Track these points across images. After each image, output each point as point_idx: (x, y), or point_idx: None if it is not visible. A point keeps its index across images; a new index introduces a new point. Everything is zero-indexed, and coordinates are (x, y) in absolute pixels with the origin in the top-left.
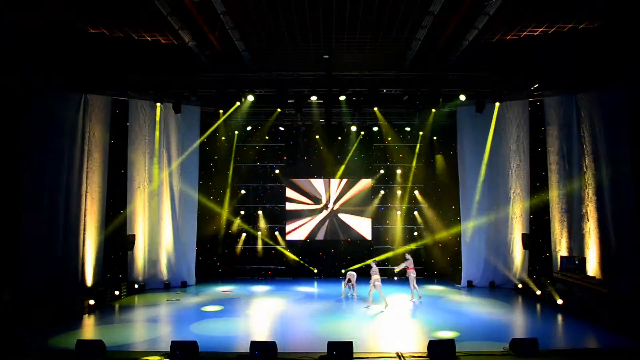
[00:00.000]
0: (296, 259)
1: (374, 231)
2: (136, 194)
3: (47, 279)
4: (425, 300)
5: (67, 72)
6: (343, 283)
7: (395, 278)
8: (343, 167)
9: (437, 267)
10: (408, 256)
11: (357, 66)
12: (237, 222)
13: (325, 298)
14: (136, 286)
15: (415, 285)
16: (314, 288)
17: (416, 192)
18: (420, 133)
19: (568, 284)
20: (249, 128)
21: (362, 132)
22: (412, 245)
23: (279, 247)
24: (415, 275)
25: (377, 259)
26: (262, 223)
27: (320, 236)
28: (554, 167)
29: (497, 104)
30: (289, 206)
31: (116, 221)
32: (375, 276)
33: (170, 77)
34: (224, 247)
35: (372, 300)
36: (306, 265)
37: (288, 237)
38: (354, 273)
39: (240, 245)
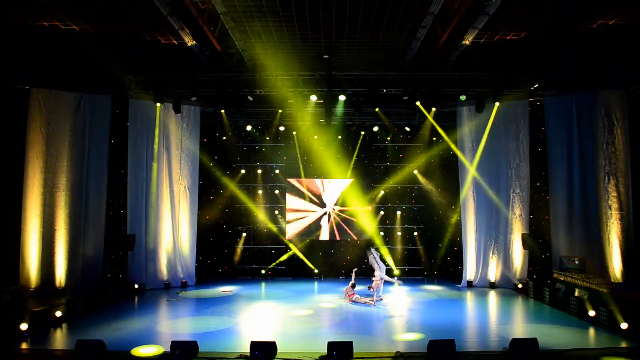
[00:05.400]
0: (297, 257)
1: (374, 231)
2: (136, 194)
3: (47, 278)
4: (425, 301)
5: (67, 72)
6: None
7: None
8: (343, 167)
9: (437, 267)
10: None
11: (357, 66)
12: (237, 222)
13: (325, 298)
14: (136, 286)
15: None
16: (314, 288)
17: (416, 192)
18: (421, 133)
19: (568, 284)
20: (249, 128)
21: (362, 132)
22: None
23: (279, 247)
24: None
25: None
26: (262, 223)
27: (320, 236)
28: (554, 167)
29: (497, 104)
30: (289, 206)
31: (116, 221)
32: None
33: (170, 77)
34: (224, 247)
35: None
36: (306, 265)
37: (288, 237)
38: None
39: (240, 245)
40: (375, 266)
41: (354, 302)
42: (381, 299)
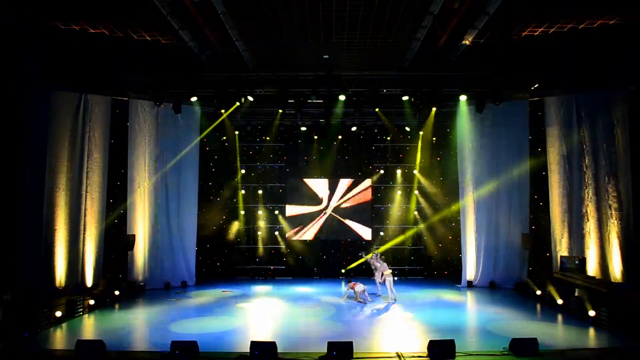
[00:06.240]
0: (297, 257)
1: (374, 231)
2: (136, 194)
3: (47, 279)
4: (425, 300)
5: (67, 72)
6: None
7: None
8: (343, 167)
9: (437, 267)
10: (381, 261)
11: (357, 66)
12: (237, 222)
13: (325, 298)
14: (136, 286)
15: (392, 287)
16: (314, 288)
17: (416, 192)
18: (421, 133)
19: (568, 284)
20: (249, 128)
21: (362, 132)
22: (381, 249)
23: (279, 247)
24: (392, 279)
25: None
26: (262, 223)
27: (320, 236)
28: (554, 167)
29: (497, 103)
30: (289, 206)
31: (116, 221)
32: (387, 271)
33: (170, 77)
34: (224, 247)
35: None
36: (306, 265)
37: (288, 237)
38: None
39: (240, 246)
40: (376, 267)
41: (352, 296)
42: (379, 296)
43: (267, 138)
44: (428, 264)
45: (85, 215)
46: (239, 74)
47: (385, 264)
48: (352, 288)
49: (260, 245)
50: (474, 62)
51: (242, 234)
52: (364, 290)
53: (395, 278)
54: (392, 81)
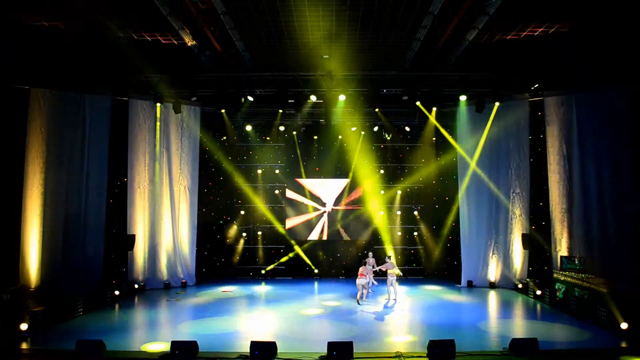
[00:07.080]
0: (297, 257)
1: (374, 231)
2: (136, 194)
3: (47, 278)
4: (425, 300)
5: (67, 72)
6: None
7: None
8: (343, 167)
9: (437, 267)
10: (388, 260)
11: (357, 66)
12: (237, 222)
13: (325, 298)
14: (136, 286)
15: (395, 286)
16: (314, 288)
17: (416, 192)
18: (421, 133)
19: (568, 284)
20: (248, 128)
21: (362, 132)
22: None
23: (279, 247)
24: (394, 279)
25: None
26: (262, 223)
27: (320, 236)
28: (554, 167)
29: (497, 103)
30: (289, 206)
31: (116, 221)
32: (392, 270)
33: (170, 77)
34: (224, 247)
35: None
36: (306, 265)
37: (288, 237)
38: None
39: (240, 246)
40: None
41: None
42: (370, 293)
43: (267, 138)
44: (428, 264)
45: (84, 215)
46: (239, 74)
47: (391, 263)
48: (359, 278)
49: (260, 246)
50: (474, 62)
51: (242, 234)
52: (365, 285)
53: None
54: (392, 81)
